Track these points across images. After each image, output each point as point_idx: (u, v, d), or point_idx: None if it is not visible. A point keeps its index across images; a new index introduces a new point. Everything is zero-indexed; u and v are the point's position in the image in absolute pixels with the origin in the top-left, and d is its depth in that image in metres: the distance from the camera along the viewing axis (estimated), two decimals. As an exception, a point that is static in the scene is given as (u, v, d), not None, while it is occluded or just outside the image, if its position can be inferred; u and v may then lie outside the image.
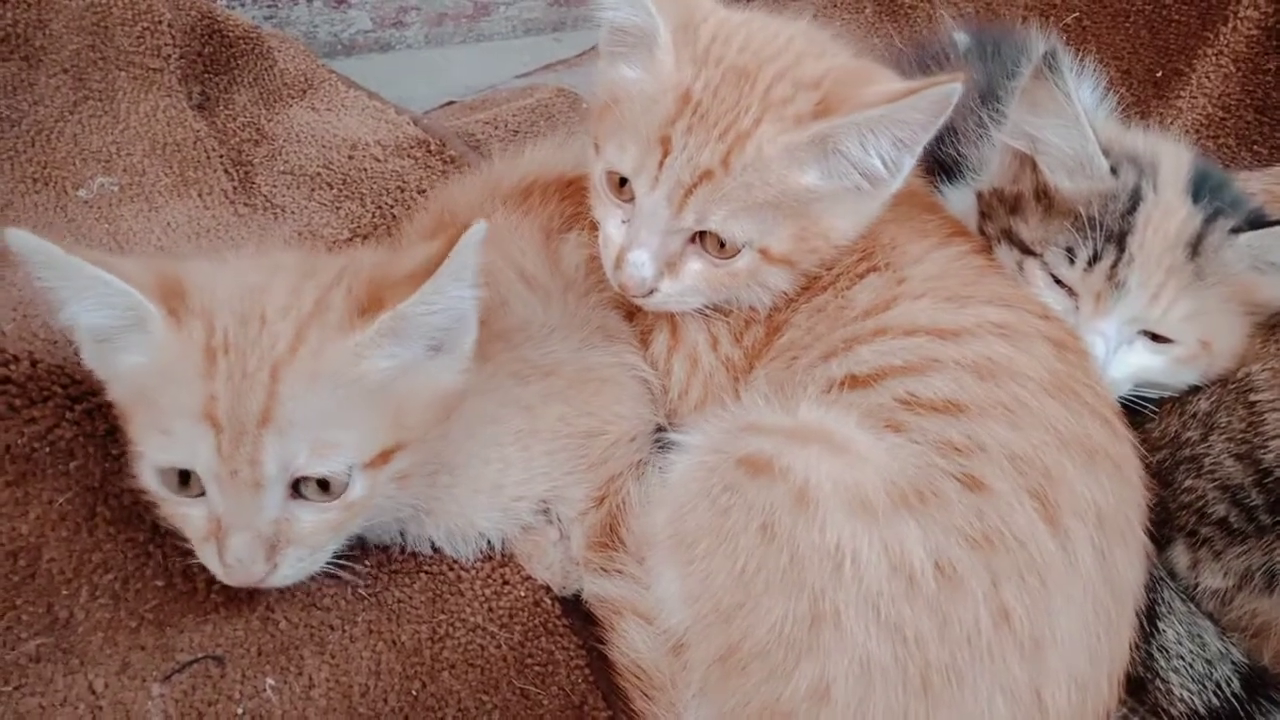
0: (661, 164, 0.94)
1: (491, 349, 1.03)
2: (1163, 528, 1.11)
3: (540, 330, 1.07)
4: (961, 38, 1.40)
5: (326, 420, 0.81)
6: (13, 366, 0.95)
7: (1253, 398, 1.02)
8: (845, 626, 0.83)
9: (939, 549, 0.83)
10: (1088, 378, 0.95)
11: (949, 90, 0.90)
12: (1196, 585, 1.09)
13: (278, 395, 0.79)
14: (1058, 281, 1.05)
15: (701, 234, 0.98)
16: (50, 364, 0.98)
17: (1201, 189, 1.02)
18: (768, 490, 0.87)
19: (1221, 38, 1.68)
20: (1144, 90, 1.75)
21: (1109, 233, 1.01)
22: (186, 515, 0.84)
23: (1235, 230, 1.00)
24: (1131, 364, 1.05)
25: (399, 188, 1.48)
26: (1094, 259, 1.02)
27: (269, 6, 2.14)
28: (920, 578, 0.82)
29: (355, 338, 0.82)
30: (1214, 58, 1.69)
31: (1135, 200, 1.01)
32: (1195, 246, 1.00)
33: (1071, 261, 1.03)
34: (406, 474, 0.88)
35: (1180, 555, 1.09)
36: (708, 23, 0.98)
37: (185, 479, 0.82)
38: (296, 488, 0.83)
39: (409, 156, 1.54)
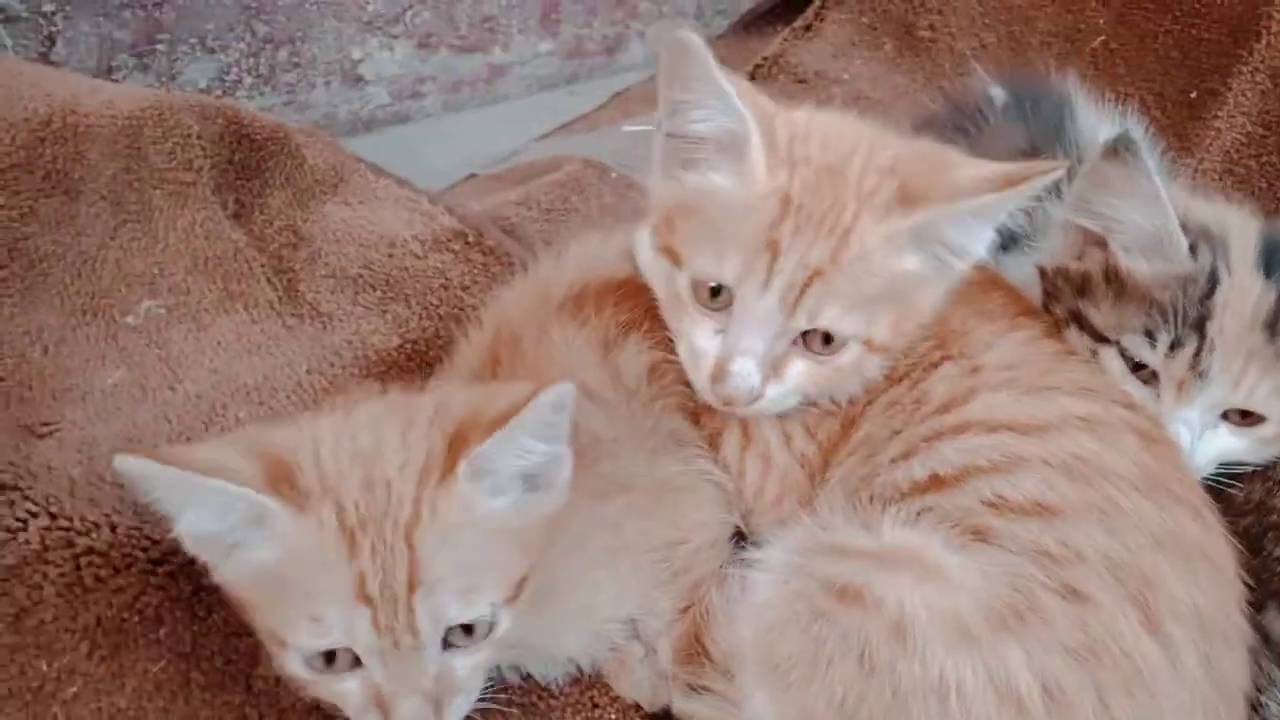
0: (771, 267, 0.93)
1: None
2: (1255, 593, 1.09)
3: (611, 445, 1.07)
4: (998, 93, 1.38)
5: (464, 568, 0.82)
6: (94, 535, 0.96)
7: (1340, 462, 1.00)
8: None
9: (1044, 669, 0.82)
10: (1176, 470, 0.94)
11: (1055, 177, 0.91)
12: (1293, 650, 1.06)
13: (419, 558, 0.79)
14: (1136, 367, 1.03)
15: (805, 333, 0.97)
16: (128, 526, 0.98)
17: (1273, 260, 1.00)
18: (861, 621, 0.86)
19: (1256, 54, 1.66)
20: (1178, 113, 1.73)
21: (1188, 319, 0.99)
22: (344, 691, 0.83)
23: None
24: (1217, 448, 1.03)
25: (442, 286, 1.47)
26: (1175, 345, 1.00)
27: (288, 92, 2.15)
28: (1029, 702, 0.81)
29: (455, 486, 0.82)
30: (1250, 75, 1.67)
31: (1213, 283, 0.99)
32: (1274, 326, 0.98)
33: (1153, 346, 1.01)
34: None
35: (1275, 621, 1.07)
36: (777, 121, 0.98)
37: (330, 657, 0.82)
38: (446, 639, 0.84)
39: (448, 250, 1.54)
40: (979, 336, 1.03)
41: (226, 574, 0.83)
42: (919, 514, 0.93)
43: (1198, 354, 0.99)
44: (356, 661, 0.82)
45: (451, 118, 2.38)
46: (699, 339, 1.00)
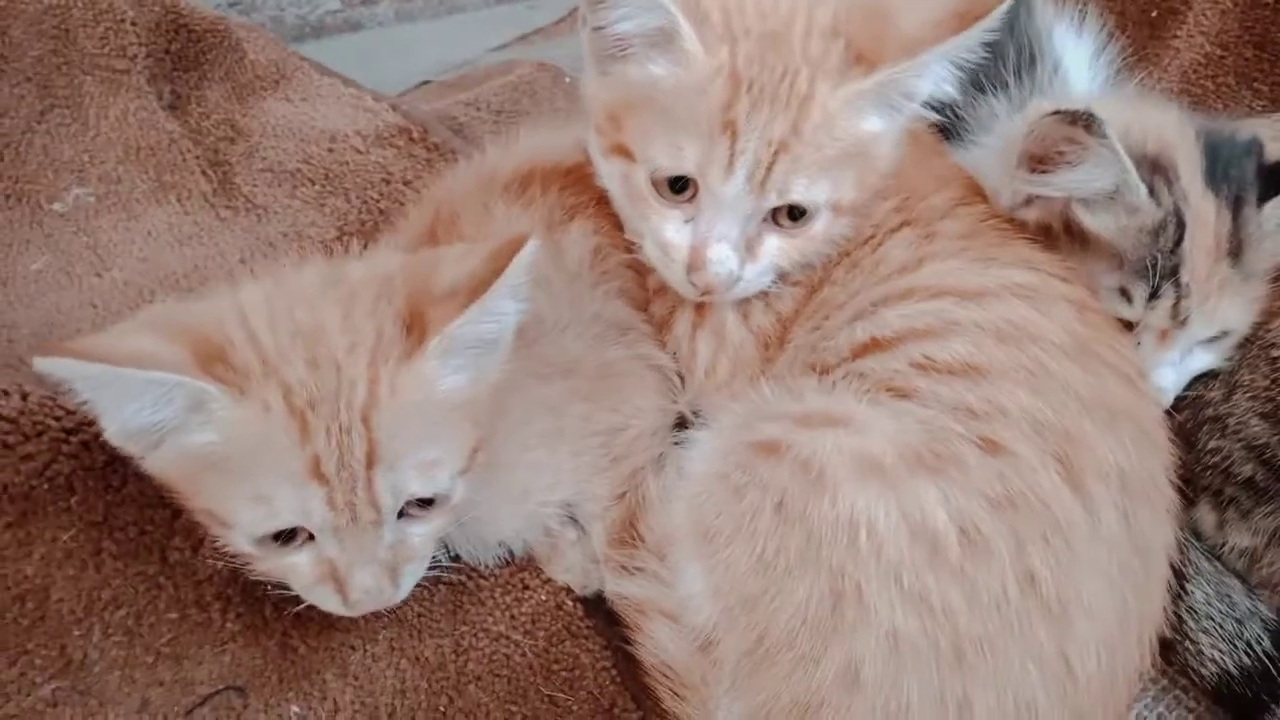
0: (733, 149, 0.90)
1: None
2: (1187, 488, 1.10)
3: (554, 327, 1.05)
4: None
5: (424, 443, 0.80)
6: (2, 401, 0.92)
7: (1276, 354, 1.00)
8: (868, 602, 0.81)
9: (961, 512, 0.82)
10: (1108, 338, 0.94)
11: (1002, 12, 0.87)
12: (1224, 544, 1.07)
13: (378, 438, 0.77)
14: None
15: (775, 209, 0.95)
16: (41, 395, 0.94)
17: (1216, 169, 0.97)
18: (776, 470, 0.86)
19: (1218, -28, 1.63)
20: (1139, 31, 1.70)
21: (1162, 271, 0.97)
22: (291, 565, 0.81)
23: (1260, 201, 0.96)
24: (1192, 370, 1.03)
25: (384, 180, 1.43)
26: (1152, 297, 0.98)
27: (233, -8, 2.07)
28: (944, 543, 0.81)
29: (419, 364, 0.79)
30: (1211, -7, 1.64)
31: (1181, 228, 0.96)
32: (1236, 250, 0.97)
33: (1130, 302, 0.99)
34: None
35: (1206, 515, 1.08)
36: None
37: (280, 535, 0.79)
38: (402, 509, 0.82)
39: (391, 146, 1.50)
40: (936, 204, 1.02)
41: (157, 463, 0.79)
42: (846, 377, 0.93)
43: (1176, 303, 0.98)
44: (309, 537, 0.80)
45: (405, 27, 2.31)
46: (667, 232, 0.97)
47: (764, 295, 1.03)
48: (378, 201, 1.41)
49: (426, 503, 0.83)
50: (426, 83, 2.00)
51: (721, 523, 0.89)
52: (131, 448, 0.78)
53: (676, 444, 1.03)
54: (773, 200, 0.92)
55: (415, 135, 1.51)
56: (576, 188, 1.10)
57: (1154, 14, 1.70)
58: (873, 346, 0.94)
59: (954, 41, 0.87)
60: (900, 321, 0.93)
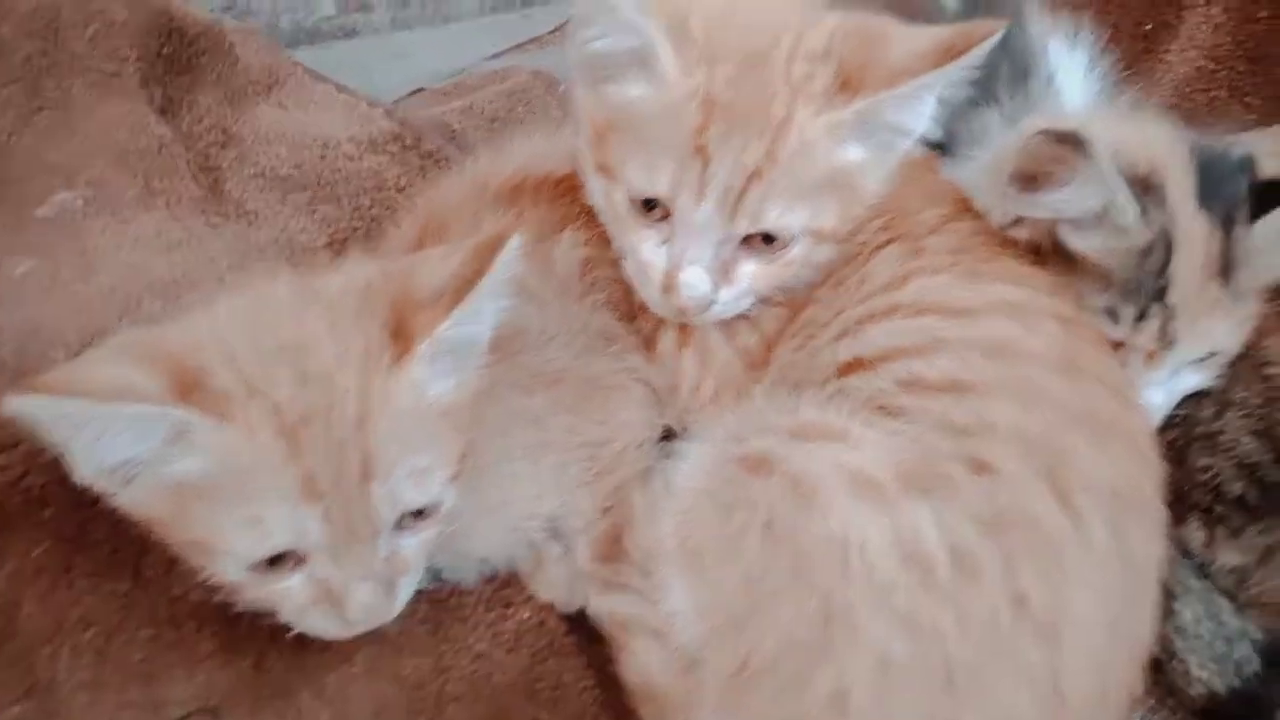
0: (704, 174, 0.89)
1: (490, 358, 0.99)
2: (1176, 505, 1.09)
3: (539, 338, 1.04)
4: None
5: (416, 449, 0.79)
6: (-23, 410, 0.91)
7: (1268, 371, 0.99)
8: (859, 624, 0.80)
9: (952, 533, 0.81)
10: (1098, 353, 0.93)
11: (995, 39, 0.86)
12: (1213, 562, 1.06)
13: (373, 449, 0.76)
14: None
15: (751, 235, 0.94)
16: (19, 405, 0.93)
17: (1209, 187, 0.96)
18: (767, 488, 0.84)
19: (1210, -15, 1.63)
20: (1132, 45, 1.70)
21: (1149, 292, 0.95)
22: (283, 591, 0.79)
23: (1251, 219, 0.95)
24: (1181, 390, 1.02)
25: (376, 187, 1.42)
26: (1140, 318, 0.97)
27: (227, -4, 2.06)
28: (935, 565, 0.80)
29: (409, 370, 0.78)
30: (1204, 8, 1.64)
31: (1169, 250, 0.94)
32: (1226, 271, 0.95)
33: (1117, 322, 0.98)
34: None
35: (1195, 533, 1.07)
36: (695, 14, 0.93)
37: (272, 560, 0.77)
38: (396, 522, 0.81)
39: (384, 152, 1.48)
40: (924, 219, 1.01)
41: (133, 498, 0.76)
42: (833, 396, 0.91)
43: (1164, 325, 0.97)
44: (299, 561, 0.78)
45: (400, 35, 2.30)
46: (644, 252, 0.97)
47: (748, 315, 1.02)
48: (370, 208, 1.40)
49: (418, 513, 0.82)
50: (421, 90, 2.00)
51: (709, 541, 0.87)
52: (104, 484, 0.75)
53: (665, 457, 1.02)
54: (745, 226, 0.91)
55: (409, 142, 1.50)
56: (567, 198, 1.09)
57: (1147, 27, 1.70)
58: (857, 365, 0.92)
59: (933, 75, 0.86)
60: (885, 339, 0.92)
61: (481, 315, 0.82)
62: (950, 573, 0.80)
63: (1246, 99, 1.60)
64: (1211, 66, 1.63)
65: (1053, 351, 0.89)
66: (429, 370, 0.80)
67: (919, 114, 0.90)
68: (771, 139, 0.88)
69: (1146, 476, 0.90)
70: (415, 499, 0.80)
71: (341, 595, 0.78)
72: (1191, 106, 1.63)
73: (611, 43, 0.90)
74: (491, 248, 0.78)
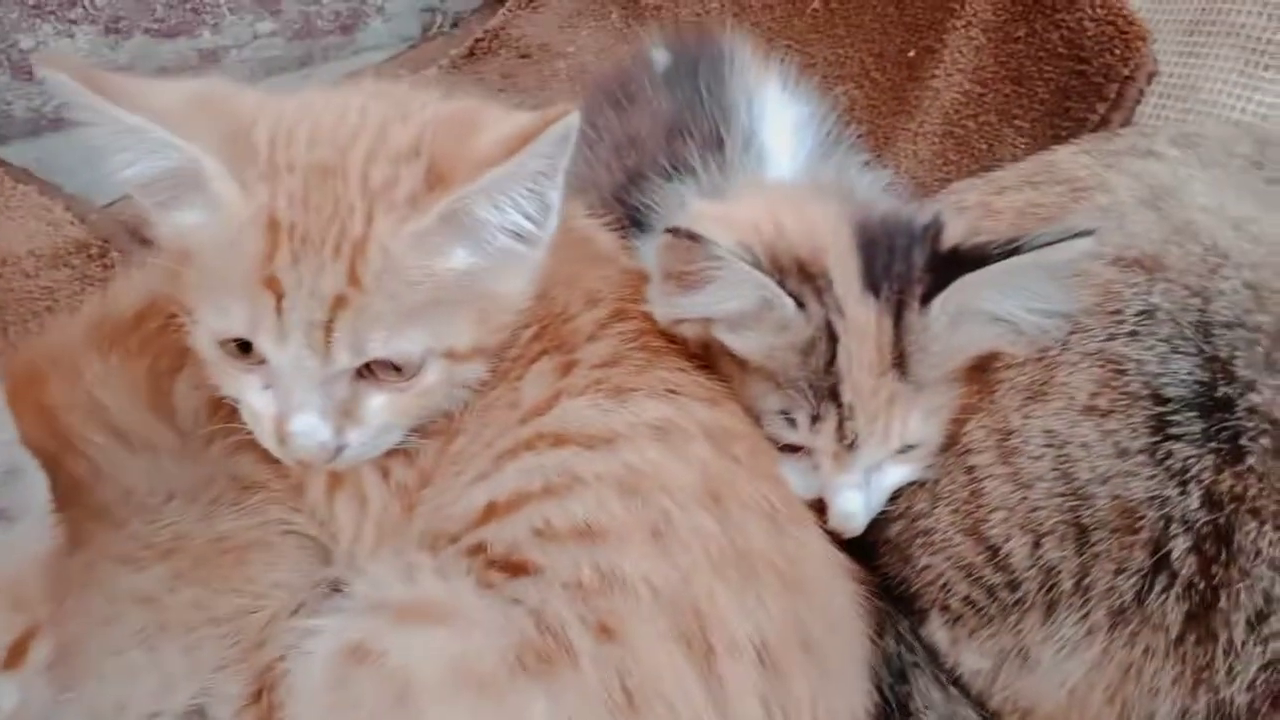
0: (280, 310, 0.76)
1: (86, 532, 0.85)
2: (914, 602, 0.98)
3: (151, 499, 0.89)
4: (660, 56, 1.23)
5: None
6: None
7: (971, 461, 0.88)
8: None
9: None
10: (752, 473, 0.82)
11: (567, 125, 0.75)
12: (959, 666, 0.96)
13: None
14: (786, 448, 0.90)
15: (368, 364, 0.81)
16: None
17: (875, 266, 0.86)
18: (364, 682, 0.72)
19: (968, 6, 1.56)
20: (898, 73, 1.62)
21: (820, 391, 0.85)
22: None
23: (925, 299, 0.84)
24: (886, 487, 0.92)
25: (47, 308, 1.27)
26: (815, 420, 0.87)
27: (-55, 88, 1.88)
28: None
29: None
30: (964, 30, 1.56)
31: (834, 342, 0.84)
32: (901, 361, 0.85)
33: (794, 426, 0.88)
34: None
35: (938, 632, 0.96)
36: (258, 125, 0.79)
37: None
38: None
39: (66, 265, 1.33)
40: (580, 325, 0.89)
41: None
42: (468, 551, 0.79)
43: (840, 425, 0.87)
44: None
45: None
46: (250, 399, 0.83)
47: (405, 448, 0.89)
48: (34, 335, 1.23)
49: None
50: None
51: None
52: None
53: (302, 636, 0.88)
54: (345, 362, 0.78)
55: (94, 252, 1.35)
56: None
57: (911, 54, 1.62)
58: (492, 512, 0.80)
59: (505, 165, 0.74)
60: (516, 480, 0.80)
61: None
62: None
63: (1016, 121, 1.52)
64: (978, 90, 1.55)
65: (697, 479, 0.78)
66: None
67: (522, 207, 0.78)
68: (350, 260, 0.76)
69: (815, 612, 0.78)
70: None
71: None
72: (963, 133, 1.55)
73: (147, 168, 0.76)
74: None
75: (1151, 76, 1.41)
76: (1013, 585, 0.88)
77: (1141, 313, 0.83)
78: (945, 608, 0.95)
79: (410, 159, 0.78)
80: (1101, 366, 0.83)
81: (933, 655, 0.98)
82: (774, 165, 1.09)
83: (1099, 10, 1.43)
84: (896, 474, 0.91)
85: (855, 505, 0.88)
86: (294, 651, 0.87)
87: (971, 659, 0.95)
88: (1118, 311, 0.84)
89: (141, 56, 2.08)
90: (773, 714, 0.73)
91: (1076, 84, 1.44)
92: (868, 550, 0.98)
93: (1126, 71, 1.40)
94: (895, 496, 0.94)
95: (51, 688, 0.77)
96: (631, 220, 1.07)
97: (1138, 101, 1.41)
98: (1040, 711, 0.91)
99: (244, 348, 0.80)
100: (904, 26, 1.63)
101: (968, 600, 0.92)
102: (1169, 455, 0.79)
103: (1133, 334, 0.83)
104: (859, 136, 1.25)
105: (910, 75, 1.61)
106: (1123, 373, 0.82)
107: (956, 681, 0.96)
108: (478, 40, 1.87)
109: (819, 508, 0.91)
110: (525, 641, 0.72)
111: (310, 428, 0.80)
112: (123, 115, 0.73)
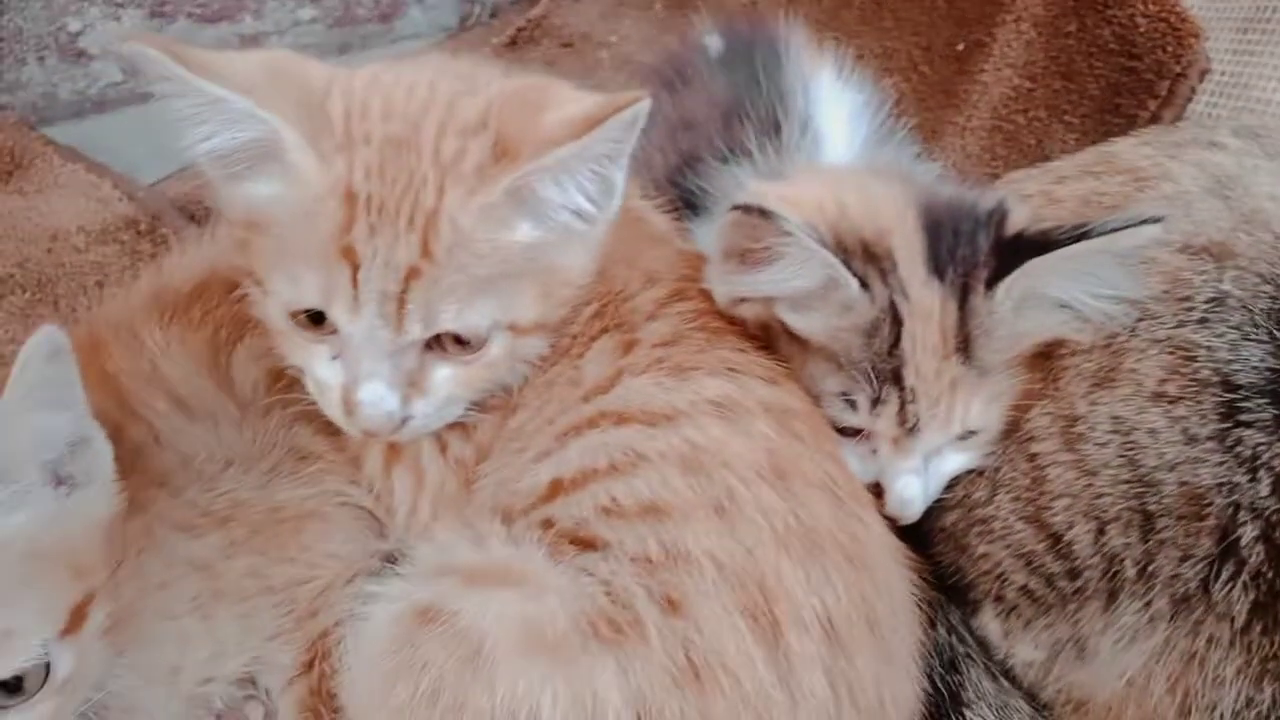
0: (355, 281, 0.76)
1: (146, 497, 0.85)
2: (967, 593, 0.98)
3: (210, 466, 0.90)
4: (714, 42, 1.23)
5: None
6: None
7: (1034, 449, 0.87)
8: None
9: (640, 693, 0.69)
10: (816, 451, 0.82)
11: (636, 111, 0.75)
12: (1011, 657, 0.95)
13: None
14: (846, 431, 0.89)
15: (436, 336, 0.81)
16: None
17: (940, 250, 0.85)
18: (434, 643, 0.72)
19: (1019, 1, 1.55)
20: (946, 67, 1.61)
21: (882, 374, 0.84)
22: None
23: (990, 283, 0.84)
24: (945, 474, 0.91)
25: (98, 283, 1.28)
26: (876, 403, 0.86)
27: (-8, 70, 1.89)
28: None
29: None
30: (1014, 24, 1.55)
31: (898, 325, 0.84)
32: (965, 345, 0.84)
33: (854, 408, 0.87)
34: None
35: (991, 624, 0.95)
36: (332, 96, 0.79)
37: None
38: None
39: (115, 241, 1.34)
40: (639, 304, 0.89)
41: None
42: (535, 526, 0.79)
43: (902, 408, 0.86)
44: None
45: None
46: (318, 369, 0.83)
47: (463, 423, 0.89)
48: (88, 309, 1.25)
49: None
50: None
51: (383, 715, 0.74)
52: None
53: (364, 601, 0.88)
54: (417, 333, 0.78)
55: (143, 228, 1.36)
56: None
57: (960, 47, 1.61)
58: (558, 489, 0.80)
59: (572, 146, 0.74)
60: (584, 458, 0.80)
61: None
62: None
63: (1065, 117, 1.51)
64: (1028, 85, 1.54)
65: (761, 455, 0.78)
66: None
67: (585, 188, 0.78)
68: (423, 232, 0.76)
69: (879, 592, 0.78)
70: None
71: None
72: (1012, 128, 1.54)
73: (227, 139, 0.76)
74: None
75: (1204, 74, 1.39)
76: (1073, 574, 0.87)
77: (1212, 299, 0.82)
78: (1000, 598, 0.94)
79: (478, 131, 0.78)
80: (1171, 353, 0.82)
81: (984, 647, 0.97)
82: (830, 151, 1.08)
83: (1151, 7, 1.42)
84: (955, 461, 0.90)
85: (914, 491, 0.87)
86: (351, 618, 0.87)
87: (1025, 650, 0.94)
88: (1187, 298, 0.83)
89: (184, 40, 2.09)
90: (838, 690, 0.72)
91: (1127, 80, 1.43)
92: (920, 539, 0.97)
93: (1178, 68, 1.39)
94: (951, 485, 0.94)
95: (107, 652, 0.78)
96: (685, 203, 1.07)
97: (1189, 99, 1.40)
98: (1095, 703, 0.90)
99: (314, 319, 0.81)
100: (952, 20, 1.62)
101: (1024, 590, 0.91)
102: (1239, 442, 0.78)
103: (1203, 320, 0.82)
104: (909, 129, 1.23)
105: (959, 69, 1.60)
106: (1192, 359, 0.81)
107: (1007, 674, 0.96)
108: (520, 29, 1.87)
109: (875, 493, 0.91)
110: (598, 609, 0.72)
111: (378, 397, 0.80)
112: (208, 87, 0.73)
